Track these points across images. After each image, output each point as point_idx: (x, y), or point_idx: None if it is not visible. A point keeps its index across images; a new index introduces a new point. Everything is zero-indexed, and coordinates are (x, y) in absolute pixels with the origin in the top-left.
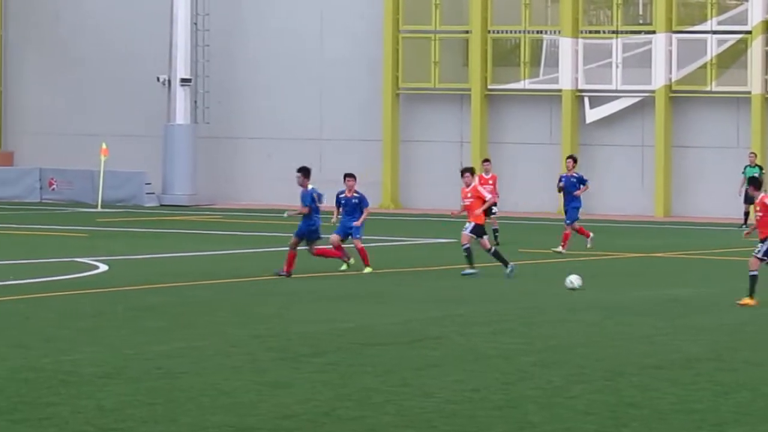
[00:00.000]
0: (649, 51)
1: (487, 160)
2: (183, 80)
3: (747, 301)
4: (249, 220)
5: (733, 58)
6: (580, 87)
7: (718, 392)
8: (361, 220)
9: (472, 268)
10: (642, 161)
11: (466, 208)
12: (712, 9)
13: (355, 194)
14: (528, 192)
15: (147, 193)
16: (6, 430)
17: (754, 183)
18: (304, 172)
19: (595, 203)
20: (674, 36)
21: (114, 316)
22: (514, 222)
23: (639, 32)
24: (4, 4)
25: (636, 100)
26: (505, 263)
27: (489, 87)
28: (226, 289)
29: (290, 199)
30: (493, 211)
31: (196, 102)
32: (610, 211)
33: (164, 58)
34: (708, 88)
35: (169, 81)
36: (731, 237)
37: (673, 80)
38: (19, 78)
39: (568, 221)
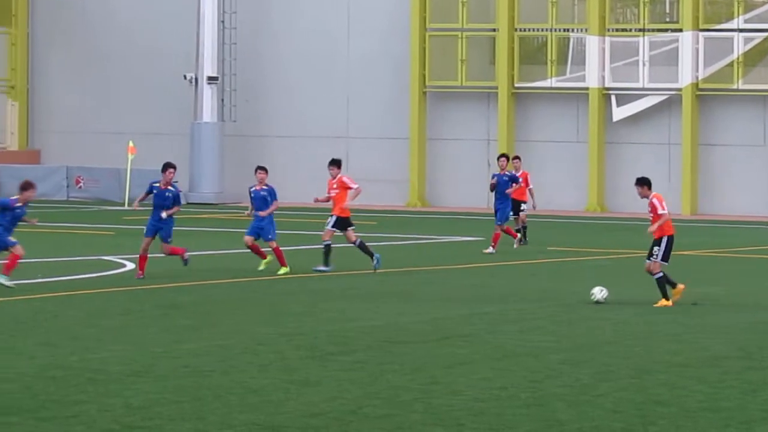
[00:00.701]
0: (676, 49)
1: (516, 158)
2: (210, 78)
3: None
4: (275, 218)
5: (760, 55)
6: (607, 85)
7: (746, 390)
8: (268, 212)
9: (326, 265)
10: (669, 159)
11: (332, 199)
12: (738, 7)
13: (264, 187)
14: (555, 190)
15: None
16: (34, 428)
17: None
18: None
19: (622, 201)
20: (701, 34)
21: (142, 314)
22: (542, 220)
23: (666, 30)
24: (31, 3)
25: (663, 98)
26: (371, 255)
27: (516, 85)
28: (253, 287)
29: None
30: (522, 208)
31: (223, 100)
32: (636, 209)
33: (191, 56)
34: (734, 86)
35: (196, 79)
36: (759, 235)
37: (699, 78)
38: (46, 76)
39: (498, 222)
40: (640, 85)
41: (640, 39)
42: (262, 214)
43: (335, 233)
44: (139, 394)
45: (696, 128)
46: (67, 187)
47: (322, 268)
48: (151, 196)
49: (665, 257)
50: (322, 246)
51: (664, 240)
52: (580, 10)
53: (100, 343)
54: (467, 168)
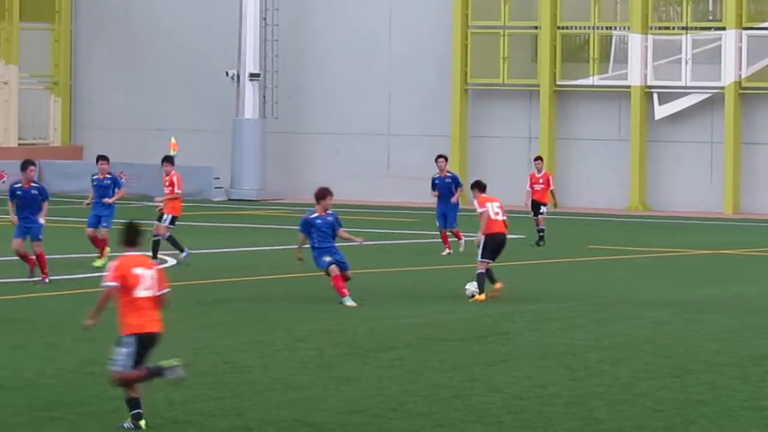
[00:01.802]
0: (719, 47)
1: (538, 158)
2: (252, 75)
3: None
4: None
5: None
6: (649, 83)
7: None
8: (114, 199)
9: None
10: (711, 158)
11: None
12: None
13: (108, 176)
14: (596, 188)
15: (215, 188)
16: (74, 423)
17: None
18: None
19: (664, 200)
20: (744, 32)
21: (183, 310)
22: (583, 218)
23: (709, 28)
24: (75, 1)
25: (705, 96)
26: (181, 249)
27: (558, 83)
28: (294, 283)
29: (361, 194)
30: (542, 210)
31: (264, 97)
32: (678, 207)
33: (233, 53)
34: None
35: (238, 76)
36: None
37: (742, 77)
38: (89, 73)
39: (445, 225)
40: (682, 83)
41: (683, 37)
42: (107, 201)
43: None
44: (179, 390)
45: (738, 127)
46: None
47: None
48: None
49: (485, 255)
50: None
51: (482, 239)
52: (622, 8)
53: None
54: (508, 166)
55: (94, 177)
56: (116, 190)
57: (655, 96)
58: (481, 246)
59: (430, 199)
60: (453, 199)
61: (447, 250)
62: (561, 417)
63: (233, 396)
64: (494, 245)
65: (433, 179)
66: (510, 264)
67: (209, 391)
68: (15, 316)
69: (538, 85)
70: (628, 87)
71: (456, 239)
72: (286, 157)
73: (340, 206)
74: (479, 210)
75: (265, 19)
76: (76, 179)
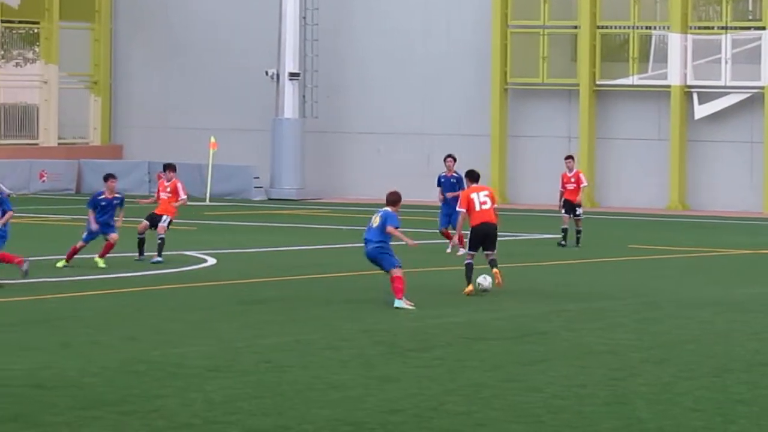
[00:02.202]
0: (759, 47)
1: (569, 157)
2: (291, 74)
3: None
4: (356, 214)
5: None
6: (688, 83)
7: None
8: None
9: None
10: (751, 158)
11: (163, 201)
12: None
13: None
14: (636, 188)
15: (255, 187)
16: (116, 422)
17: None
18: None
19: (704, 200)
20: None
21: (224, 309)
22: (622, 218)
23: (748, 28)
24: (114, 0)
25: (745, 96)
26: (141, 253)
27: (597, 82)
28: (334, 282)
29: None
30: (578, 213)
31: (304, 96)
32: (718, 207)
33: (273, 53)
34: None
35: (278, 75)
36: None
37: None
38: (129, 72)
39: (447, 225)
40: (722, 83)
41: (723, 37)
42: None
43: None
44: (220, 389)
45: None
46: (149, 182)
47: (158, 259)
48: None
49: (470, 248)
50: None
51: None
52: (662, 7)
53: (183, 338)
54: (548, 165)
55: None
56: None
57: (695, 96)
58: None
59: None
60: (449, 195)
61: (460, 249)
62: (601, 416)
63: (274, 395)
64: (478, 238)
65: (439, 177)
66: (548, 264)
67: (249, 391)
68: (60, 314)
69: (578, 85)
70: (668, 87)
71: (448, 240)
72: (326, 157)
73: (380, 206)
74: (458, 209)
75: (304, 18)
76: (118, 178)
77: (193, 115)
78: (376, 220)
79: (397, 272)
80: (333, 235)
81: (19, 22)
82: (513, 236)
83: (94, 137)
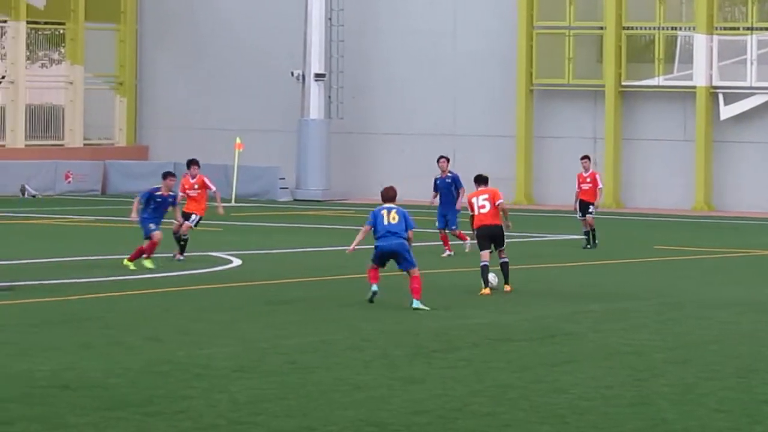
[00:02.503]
0: None
1: (585, 157)
2: (317, 75)
3: None
4: None
5: None
6: (714, 84)
7: None
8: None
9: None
10: None
11: (191, 198)
12: None
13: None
14: (662, 189)
15: (281, 188)
16: (141, 423)
17: None
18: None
19: (730, 200)
20: None
21: (249, 310)
22: (649, 219)
23: None
24: (140, 1)
25: None
26: (182, 252)
27: (623, 83)
28: (359, 283)
29: (424, 193)
30: (590, 210)
31: (330, 97)
32: (743, 208)
33: (298, 53)
34: None
35: (304, 76)
36: None
37: None
38: (154, 73)
39: (453, 227)
40: (747, 83)
41: (748, 37)
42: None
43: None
44: (245, 390)
45: None
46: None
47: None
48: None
49: (480, 249)
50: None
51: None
52: (687, 8)
53: (208, 339)
54: (573, 166)
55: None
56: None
57: (721, 96)
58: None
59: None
60: (458, 204)
61: (447, 252)
62: (626, 417)
63: (298, 396)
64: (484, 240)
65: (435, 180)
66: (573, 264)
67: (274, 391)
68: (83, 315)
69: (604, 86)
70: (694, 87)
71: (460, 240)
72: (351, 158)
73: (406, 206)
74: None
75: (330, 19)
76: (141, 179)
77: (219, 116)
78: (394, 217)
79: (417, 272)
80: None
81: (45, 23)
82: (538, 237)
83: (119, 138)
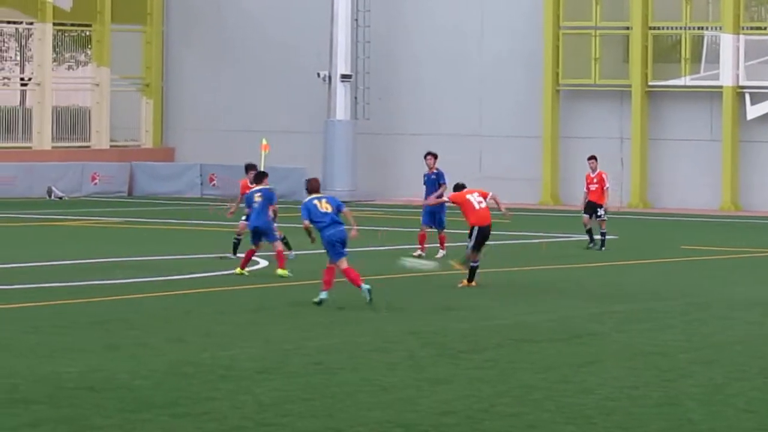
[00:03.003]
0: None
1: (592, 158)
2: (343, 76)
3: None
4: (408, 215)
5: None
6: (741, 83)
7: None
8: None
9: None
10: None
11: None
12: None
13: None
14: (688, 189)
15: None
16: (166, 425)
17: None
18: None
19: (757, 200)
20: None
21: (273, 311)
22: (675, 219)
23: None
24: (166, 2)
25: None
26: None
27: (649, 83)
28: (384, 284)
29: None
30: (599, 213)
31: (356, 98)
32: None
33: (324, 54)
34: None
35: (330, 77)
36: None
37: None
38: (180, 74)
39: (431, 223)
40: None
41: None
42: None
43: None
44: (270, 392)
45: None
46: (201, 184)
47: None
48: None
49: (474, 247)
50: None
51: (475, 230)
52: (714, 8)
53: (232, 340)
54: (600, 166)
55: None
56: None
57: (747, 96)
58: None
59: (521, 199)
60: (433, 196)
61: (419, 252)
62: (653, 418)
63: (324, 397)
64: (481, 241)
65: (424, 176)
66: (598, 265)
67: (299, 393)
68: (108, 316)
69: (630, 86)
70: (720, 87)
71: (439, 244)
72: (378, 158)
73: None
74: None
75: (356, 20)
76: (170, 181)
77: (245, 117)
78: (327, 206)
79: (345, 263)
80: (384, 236)
81: (72, 24)
82: (564, 237)
83: (145, 140)
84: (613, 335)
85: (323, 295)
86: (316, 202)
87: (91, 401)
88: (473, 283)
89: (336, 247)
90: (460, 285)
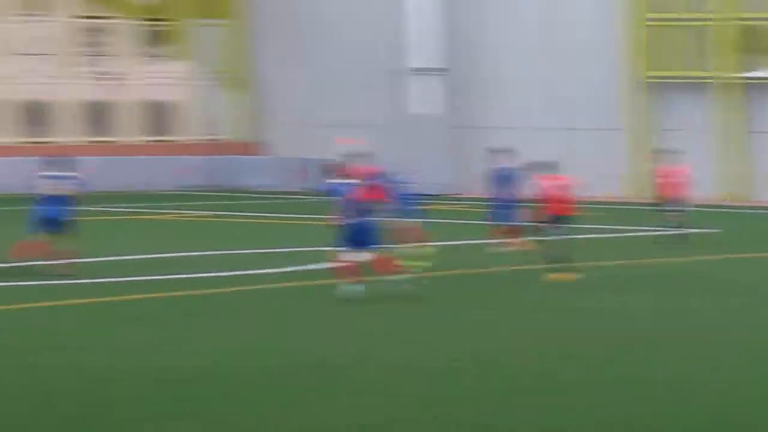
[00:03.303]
0: None
1: (661, 151)
2: (430, 70)
3: None
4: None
5: None
6: None
7: None
8: None
9: None
10: None
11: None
12: None
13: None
14: None
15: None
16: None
17: None
18: None
19: None
20: None
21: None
22: None
23: None
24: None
25: None
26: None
27: (739, 75)
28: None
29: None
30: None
31: (443, 91)
32: None
33: (407, 47)
34: None
35: (415, 70)
36: None
37: None
38: (267, 69)
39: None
40: None
41: None
42: None
43: None
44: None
45: None
46: (302, 178)
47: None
48: None
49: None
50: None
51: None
52: None
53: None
54: (686, 159)
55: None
56: None
57: None
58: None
59: (608, 191)
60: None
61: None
62: None
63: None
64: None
65: (495, 171)
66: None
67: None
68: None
69: (717, 78)
70: None
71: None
72: (465, 152)
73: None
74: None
75: (441, 13)
76: (255, 173)
77: (332, 112)
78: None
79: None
80: (474, 229)
81: (156, 19)
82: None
83: (232, 134)
84: None
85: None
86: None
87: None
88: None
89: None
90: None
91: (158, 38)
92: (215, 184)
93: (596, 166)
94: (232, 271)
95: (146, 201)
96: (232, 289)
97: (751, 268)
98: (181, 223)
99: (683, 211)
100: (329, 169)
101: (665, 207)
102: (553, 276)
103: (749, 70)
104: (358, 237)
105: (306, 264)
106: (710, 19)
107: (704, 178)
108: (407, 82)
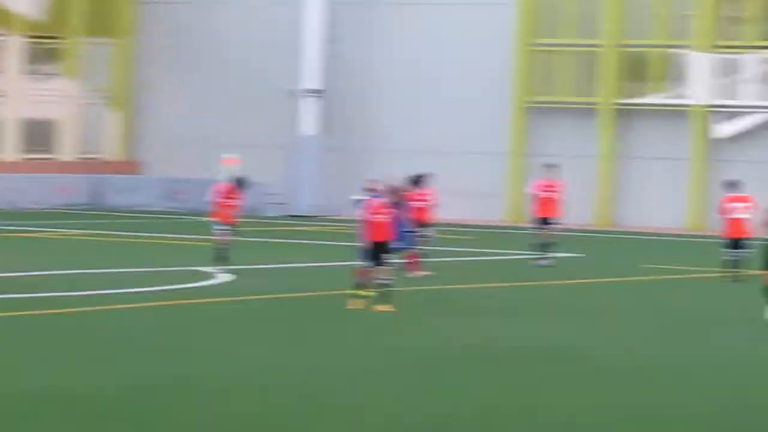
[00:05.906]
0: None
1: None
2: (311, 91)
3: None
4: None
5: None
6: (710, 102)
7: None
8: None
9: None
10: None
11: None
12: None
13: None
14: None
15: (269, 204)
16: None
17: None
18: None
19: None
20: None
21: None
22: (640, 237)
23: None
24: (138, 16)
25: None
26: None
27: (619, 102)
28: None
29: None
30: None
31: (323, 113)
32: None
33: (292, 70)
34: None
35: (298, 92)
36: None
37: None
38: (150, 88)
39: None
40: (744, 102)
41: (745, 56)
42: None
43: None
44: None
45: None
46: (168, 197)
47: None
48: None
49: None
50: None
51: None
52: (685, 27)
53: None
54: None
55: None
56: None
57: (715, 116)
58: None
59: (482, 216)
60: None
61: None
62: None
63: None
64: None
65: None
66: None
67: None
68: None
69: (599, 104)
70: (689, 106)
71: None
72: (344, 173)
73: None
74: None
75: (324, 35)
76: (134, 193)
77: (213, 132)
78: None
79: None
80: (338, 251)
81: (42, 37)
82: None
83: (113, 153)
84: None
85: None
86: None
87: None
88: None
89: None
90: None
91: (47, 55)
92: (94, 203)
93: (481, 188)
94: (91, 291)
95: (25, 219)
96: (79, 309)
97: (597, 293)
98: (58, 241)
99: (557, 224)
100: None
101: (539, 224)
102: (377, 308)
103: (632, 97)
104: None
105: (172, 284)
106: (599, 45)
107: (577, 202)
108: (295, 104)
